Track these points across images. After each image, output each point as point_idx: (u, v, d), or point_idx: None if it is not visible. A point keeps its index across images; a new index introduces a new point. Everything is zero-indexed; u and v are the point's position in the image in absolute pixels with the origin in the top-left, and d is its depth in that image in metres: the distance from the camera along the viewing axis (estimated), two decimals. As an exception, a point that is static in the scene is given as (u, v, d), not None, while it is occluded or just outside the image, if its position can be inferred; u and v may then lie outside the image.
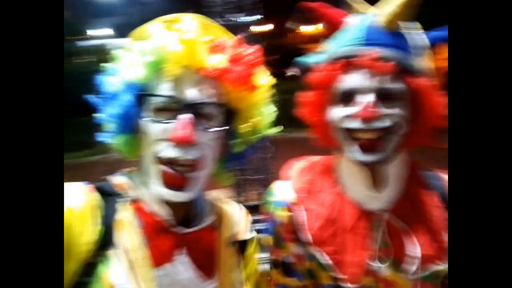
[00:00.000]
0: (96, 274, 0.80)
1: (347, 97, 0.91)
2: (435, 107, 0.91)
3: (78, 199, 0.82)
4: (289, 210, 1.05)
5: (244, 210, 1.08)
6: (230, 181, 1.03)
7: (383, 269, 0.95)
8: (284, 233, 1.05)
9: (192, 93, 0.82)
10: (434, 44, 0.96)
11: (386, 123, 0.88)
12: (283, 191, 1.08)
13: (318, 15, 1.01)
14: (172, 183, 0.83)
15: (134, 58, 0.84)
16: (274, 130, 0.98)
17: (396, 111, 0.89)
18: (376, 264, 0.95)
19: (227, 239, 0.99)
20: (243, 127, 0.91)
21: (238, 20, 2.22)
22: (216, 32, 0.90)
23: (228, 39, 0.90)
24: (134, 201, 0.88)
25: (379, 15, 0.93)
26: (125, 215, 0.85)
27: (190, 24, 0.84)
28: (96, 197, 0.85)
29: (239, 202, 1.20)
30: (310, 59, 1.03)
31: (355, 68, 0.90)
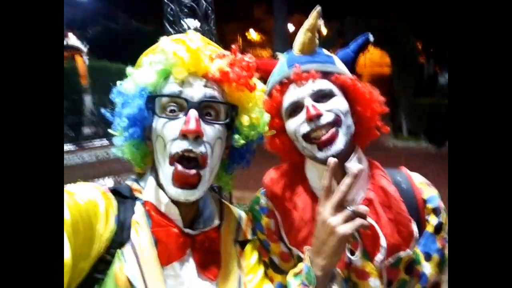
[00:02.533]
0: (108, 271, 0.83)
1: (293, 111, 1.06)
2: (366, 96, 1.07)
3: (97, 198, 0.86)
4: (268, 216, 1.14)
5: (244, 213, 1.15)
6: (231, 187, 1.11)
7: (355, 260, 1.02)
8: (268, 236, 1.13)
9: (197, 93, 0.91)
10: (350, 56, 1.16)
11: (329, 117, 1.01)
12: (262, 198, 1.16)
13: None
14: (184, 182, 0.89)
15: (145, 68, 0.94)
16: (269, 132, 1.06)
17: (333, 105, 1.03)
18: (348, 256, 1.02)
19: (231, 241, 1.05)
20: (244, 121, 0.98)
21: (194, 27, 2.08)
22: (214, 47, 1.01)
23: (224, 51, 1.00)
24: (146, 203, 0.94)
25: (293, 47, 1.12)
26: (138, 216, 0.91)
27: (194, 36, 0.96)
28: (111, 197, 0.91)
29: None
30: None
31: (288, 87, 1.07)
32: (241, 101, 0.98)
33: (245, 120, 0.98)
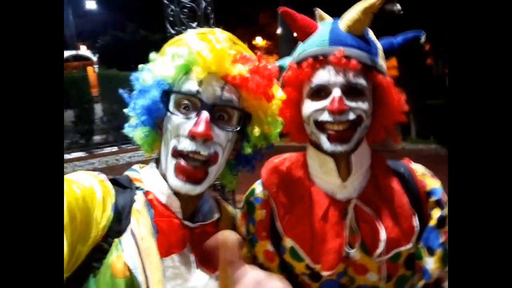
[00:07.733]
0: (104, 261, 0.83)
1: (317, 93, 0.98)
2: (394, 103, 1.01)
3: (94, 185, 0.85)
4: (262, 206, 1.09)
5: (238, 212, 1.15)
6: (234, 186, 1.10)
7: (353, 253, 1.00)
8: (258, 231, 1.08)
9: (214, 95, 0.90)
10: (393, 49, 1.06)
11: (352, 116, 0.95)
12: (257, 188, 1.12)
13: (292, 21, 1.06)
14: (186, 176, 0.89)
15: (167, 60, 0.93)
16: (279, 139, 1.05)
17: (360, 104, 0.96)
18: (346, 250, 1.00)
19: None
20: (255, 132, 0.96)
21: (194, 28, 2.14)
22: (240, 47, 0.99)
23: (250, 54, 0.99)
24: (148, 193, 0.93)
25: (342, 20, 1.02)
26: (138, 205, 0.90)
27: (220, 36, 0.93)
28: (108, 185, 0.89)
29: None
30: (283, 61, 1.11)
31: (322, 66, 0.98)
32: (256, 110, 0.96)
33: (255, 130, 0.96)
